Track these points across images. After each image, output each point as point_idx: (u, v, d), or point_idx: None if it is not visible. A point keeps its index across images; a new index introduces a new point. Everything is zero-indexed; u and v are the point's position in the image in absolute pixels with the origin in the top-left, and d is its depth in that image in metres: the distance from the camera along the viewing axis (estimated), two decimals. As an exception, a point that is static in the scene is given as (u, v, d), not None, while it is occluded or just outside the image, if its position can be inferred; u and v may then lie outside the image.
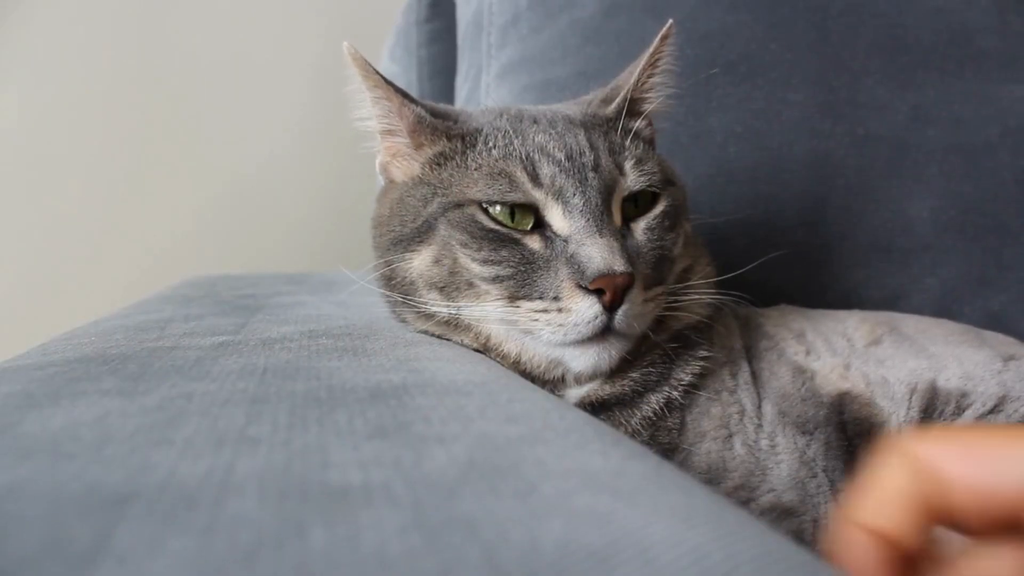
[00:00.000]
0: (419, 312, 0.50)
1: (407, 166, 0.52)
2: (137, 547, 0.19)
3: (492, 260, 0.46)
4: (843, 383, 0.50)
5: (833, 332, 0.56)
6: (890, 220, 0.78)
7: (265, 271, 1.09)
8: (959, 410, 0.49)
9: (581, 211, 0.45)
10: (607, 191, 0.47)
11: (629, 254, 0.45)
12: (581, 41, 0.84)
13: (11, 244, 1.25)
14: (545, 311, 0.44)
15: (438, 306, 0.48)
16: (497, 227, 0.46)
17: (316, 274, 0.89)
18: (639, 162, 0.49)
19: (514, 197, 0.46)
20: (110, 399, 0.31)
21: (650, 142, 0.56)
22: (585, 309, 0.43)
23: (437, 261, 0.48)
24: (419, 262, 0.49)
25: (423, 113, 0.50)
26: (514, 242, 0.46)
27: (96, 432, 0.27)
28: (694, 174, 0.80)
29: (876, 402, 0.49)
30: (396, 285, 0.50)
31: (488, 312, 0.46)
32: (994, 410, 0.48)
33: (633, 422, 0.48)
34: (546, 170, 0.47)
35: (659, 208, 0.49)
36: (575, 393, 0.49)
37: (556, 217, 0.46)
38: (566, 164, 0.47)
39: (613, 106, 0.52)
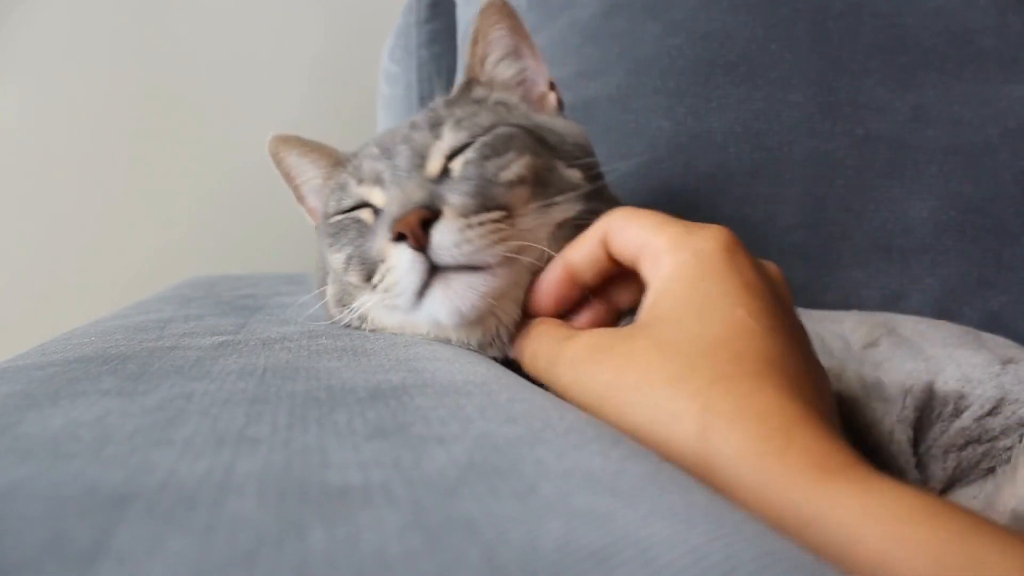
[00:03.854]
0: (349, 325, 0.52)
1: None
2: (137, 547, 0.19)
3: (339, 245, 0.50)
4: (837, 383, 0.50)
5: (829, 333, 0.56)
6: (890, 220, 0.78)
7: (265, 271, 1.09)
8: (957, 412, 0.48)
9: (392, 180, 0.48)
10: (420, 156, 0.49)
11: (435, 191, 0.45)
12: (581, 41, 0.84)
13: (11, 244, 1.25)
14: (383, 280, 0.46)
15: (347, 318, 0.50)
16: (340, 216, 0.51)
17: (316, 274, 0.89)
18: (459, 121, 0.51)
19: (347, 203, 0.51)
20: (110, 399, 0.31)
21: (538, 101, 0.59)
22: (400, 257, 0.44)
23: (334, 281, 0.52)
24: (329, 290, 0.53)
25: (338, 154, 0.58)
26: (354, 220, 0.50)
27: (96, 432, 0.27)
28: (694, 174, 0.80)
29: (870, 404, 0.49)
30: (331, 310, 0.54)
31: (367, 305, 0.48)
32: (992, 412, 0.48)
33: None
34: (367, 166, 0.51)
35: (479, 140, 0.49)
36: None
37: (377, 197, 0.49)
38: (379, 153, 0.51)
39: (454, 90, 0.57)
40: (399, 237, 0.43)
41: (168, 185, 1.31)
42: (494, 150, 0.48)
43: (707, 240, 0.37)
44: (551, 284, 0.44)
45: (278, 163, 0.62)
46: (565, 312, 0.45)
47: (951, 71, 0.80)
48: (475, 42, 0.56)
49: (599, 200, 0.51)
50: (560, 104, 0.60)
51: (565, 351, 0.38)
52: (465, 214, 0.44)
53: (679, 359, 0.33)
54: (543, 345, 0.41)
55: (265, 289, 0.73)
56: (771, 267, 0.41)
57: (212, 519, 0.20)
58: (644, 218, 0.40)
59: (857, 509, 0.25)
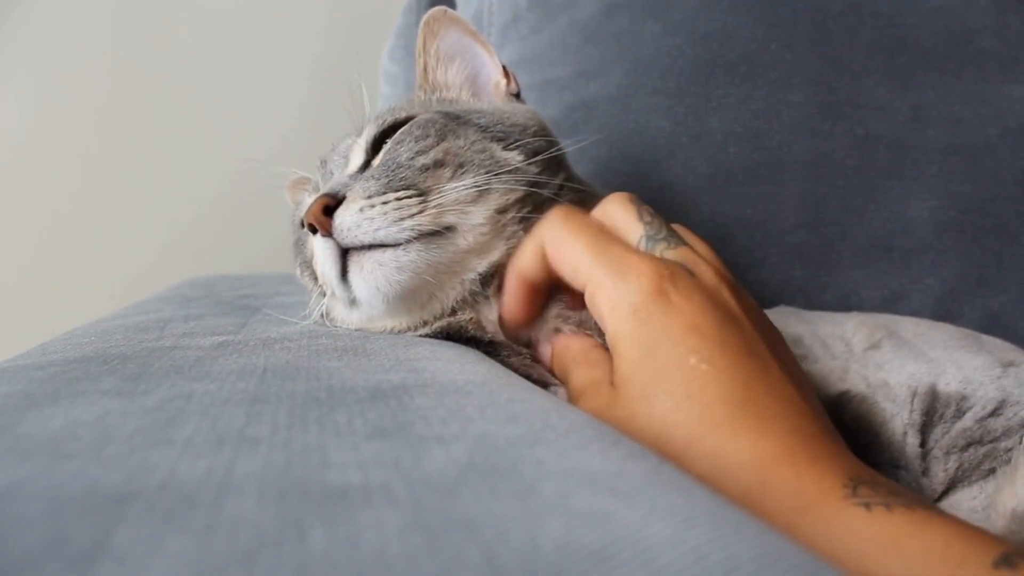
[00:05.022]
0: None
1: None
2: (137, 547, 0.19)
3: (295, 257, 0.56)
4: (841, 384, 0.50)
5: (831, 335, 0.56)
6: (890, 220, 0.78)
7: (265, 271, 1.09)
8: (959, 413, 0.48)
9: (322, 185, 0.52)
10: (344, 157, 0.53)
11: (347, 182, 0.47)
12: (581, 41, 0.84)
13: (11, 244, 1.25)
14: (320, 277, 0.49)
15: (313, 318, 0.52)
16: (298, 232, 0.56)
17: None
18: (377, 117, 0.54)
19: (298, 217, 0.55)
20: (110, 399, 0.31)
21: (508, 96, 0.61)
22: (316, 246, 0.47)
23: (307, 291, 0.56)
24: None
25: None
26: (304, 232, 0.53)
27: (96, 432, 0.27)
28: (694, 174, 0.79)
29: (879, 403, 0.49)
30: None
31: (326, 306, 0.51)
32: (994, 413, 0.48)
33: None
34: (312, 180, 0.56)
35: (398, 131, 0.51)
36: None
37: None
38: (319, 165, 0.56)
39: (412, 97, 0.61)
40: (311, 229, 0.45)
41: (168, 185, 1.30)
42: (410, 135, 0.50)
43: (636, 292, 0.37)
44: (512, 299, 0.46)
45: (292, 202, 0.68)
46: (538, 313, 0.47)
47: (951, 71, 0.80)
48: (418, 56, 0.60)
49: (553, 183, 0.51)
50: (516, 91, 0.61)
51: (578, 403, 0.40)
52: (368, 196, 0.45)
53: (652, 429, 0.34)
54: (570, 375, 0.43)
55: (265, 289, 0.73)
56: (706, 276, 0.40)
57: (212, 519, 0.20)
58: (575, 244, 0.40)
59: (825, 547, 0.27)
